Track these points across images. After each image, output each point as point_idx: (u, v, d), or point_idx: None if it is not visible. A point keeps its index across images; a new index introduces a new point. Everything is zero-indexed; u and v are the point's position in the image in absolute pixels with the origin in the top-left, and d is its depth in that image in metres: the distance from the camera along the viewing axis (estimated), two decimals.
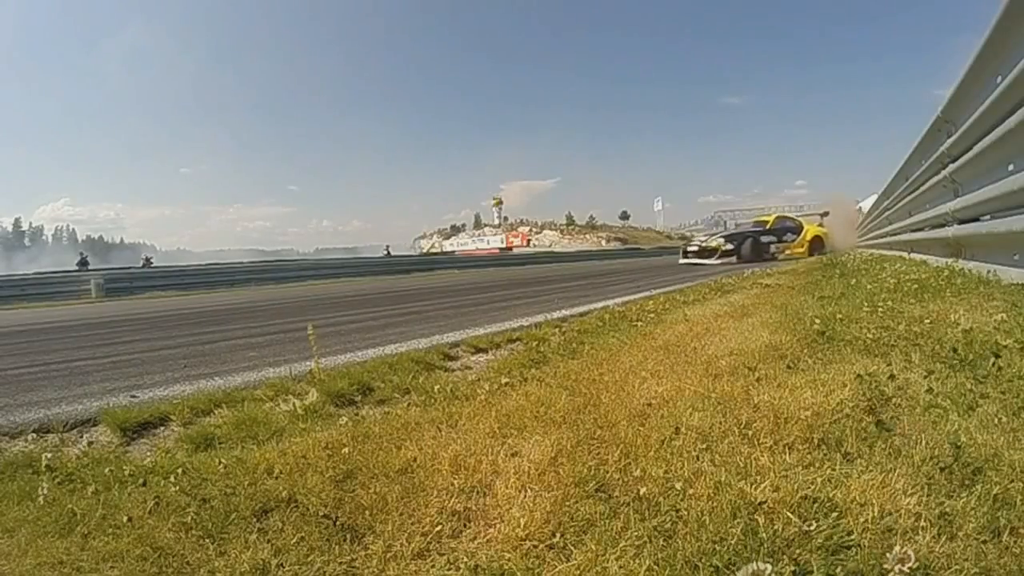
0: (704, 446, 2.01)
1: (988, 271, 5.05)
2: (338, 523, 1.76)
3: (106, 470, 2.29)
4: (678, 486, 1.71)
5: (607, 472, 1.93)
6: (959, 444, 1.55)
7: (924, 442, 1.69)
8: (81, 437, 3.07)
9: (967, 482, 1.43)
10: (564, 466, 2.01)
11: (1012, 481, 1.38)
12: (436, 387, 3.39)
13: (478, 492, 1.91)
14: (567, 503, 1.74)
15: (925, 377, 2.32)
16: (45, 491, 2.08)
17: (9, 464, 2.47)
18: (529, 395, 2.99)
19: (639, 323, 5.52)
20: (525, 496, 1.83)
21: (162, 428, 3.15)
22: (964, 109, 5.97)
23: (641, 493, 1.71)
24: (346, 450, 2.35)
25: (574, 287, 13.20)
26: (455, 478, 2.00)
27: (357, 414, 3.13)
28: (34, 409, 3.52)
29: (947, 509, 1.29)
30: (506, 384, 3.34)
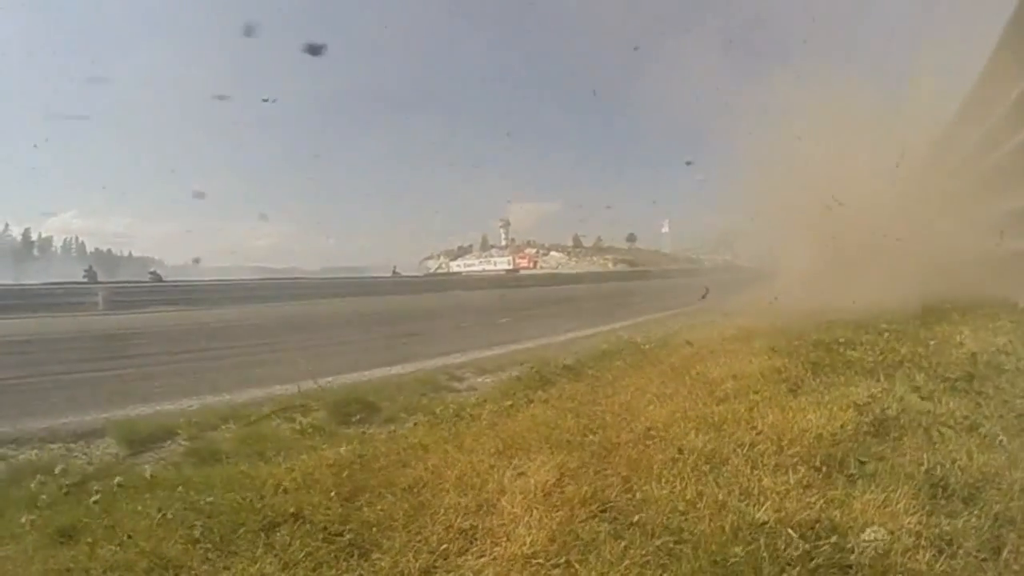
0: (707, 468, 2.02)
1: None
2: (345, 539, 1.78)
3: (113, 481, 2.32)
4: (681, 507, 1.73)
5: (612, 493, 1.95)
6: (960, 464, 1.56)
7: (926, 462, 1.71)
8: (88, 447, 3.11)
9: (968, 501, 1.44)
10: (569, 487, 2.03)
11: (1012, 500, 1.40)
12: (442, 407, 3.41)
13: (484, 511, 1.93)
14: (572, 523, 1.76)
15: (928, 398, 2.33)
16: (52, 499, 2.12)
17: (17, 471, 2.52)
18: (534, 416, 3.01)
19: (644, 345, 5.53)
20: (531, 515, 1.84)
21: (169, 442, 3.18)
22: None
23: (645, 514, 1.73)
24: (353, 468, 2.37)
25: (582, 310, 13.21)
26: (461, 497, 2.02)
27: (364, 432, 3.15)
28: (38, 419, 3.56)
29: (947, 528, 1.31)
30: (511, 405, 3.36)
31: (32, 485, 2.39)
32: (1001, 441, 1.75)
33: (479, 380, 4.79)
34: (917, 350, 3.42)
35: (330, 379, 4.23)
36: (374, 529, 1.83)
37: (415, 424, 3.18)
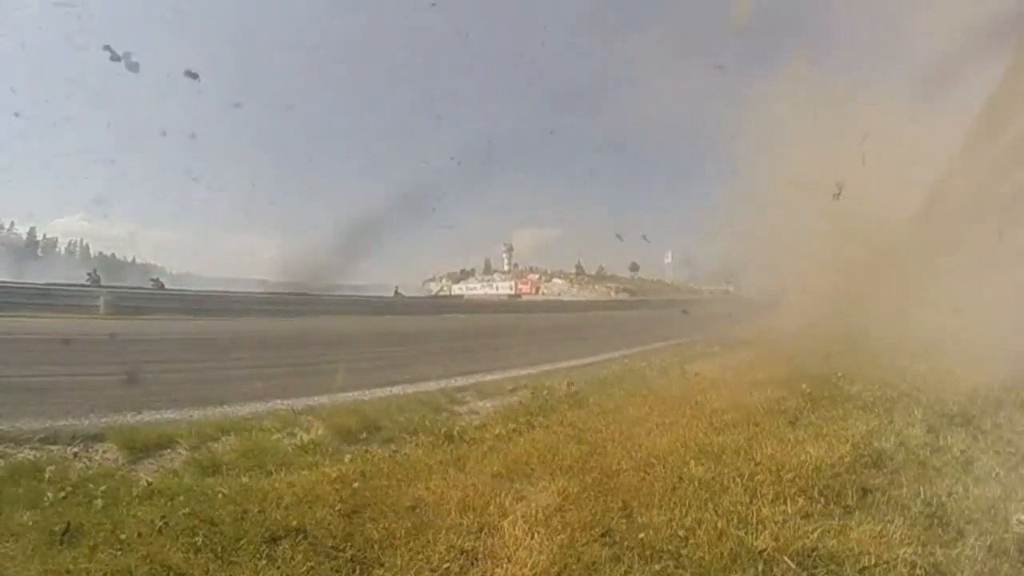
0: (706, 496, 2.04)
1: None
2: (347, 555, 1.80)
3: (114, 486, 2.34)
4: (681, 533, 1.74)
5: (612, 518, 1.96)
6: (956, 496, 1.59)
7: (922, 494, 1.73)
8: (88, 451, 3.11)
9: (963, 533, 1.47)
10: (570, 511, 2.05)
11: (1006, 532, 1.42)
12: (444, 429, 3.42)
13: (486, 532, 1.94)
14: (573, 547, 1.78)
15: (926, 433, 2.36)
16: (52, 500, 2.13)
17: (15, 470, 2.53)
18: (536, 442, 3.03)
19: (646, 374, 5.54)
20: (532, 538, 1.86)
21: (169, 450, 3.19)
22: None
23: (644, 539, 1.74)
24: (355, 485, 2.38)
25: (584, 337, 13.19)
26: (463, 518, 2.04)
27: (365, 451, 3.16)
28: (40, 419, 3.56)
29: (941, 558, 1.33)
30: (513, 430, 3.37)
31: (32, 485, 2.40)
32: (997, 474, 1.78)
33: (480, 404, 4.79)
34: (917, 385, 3.44)
35: (331, 396, 4.25)
36: (376, 546, 1.85)
37: (416, 445, 3.19)
